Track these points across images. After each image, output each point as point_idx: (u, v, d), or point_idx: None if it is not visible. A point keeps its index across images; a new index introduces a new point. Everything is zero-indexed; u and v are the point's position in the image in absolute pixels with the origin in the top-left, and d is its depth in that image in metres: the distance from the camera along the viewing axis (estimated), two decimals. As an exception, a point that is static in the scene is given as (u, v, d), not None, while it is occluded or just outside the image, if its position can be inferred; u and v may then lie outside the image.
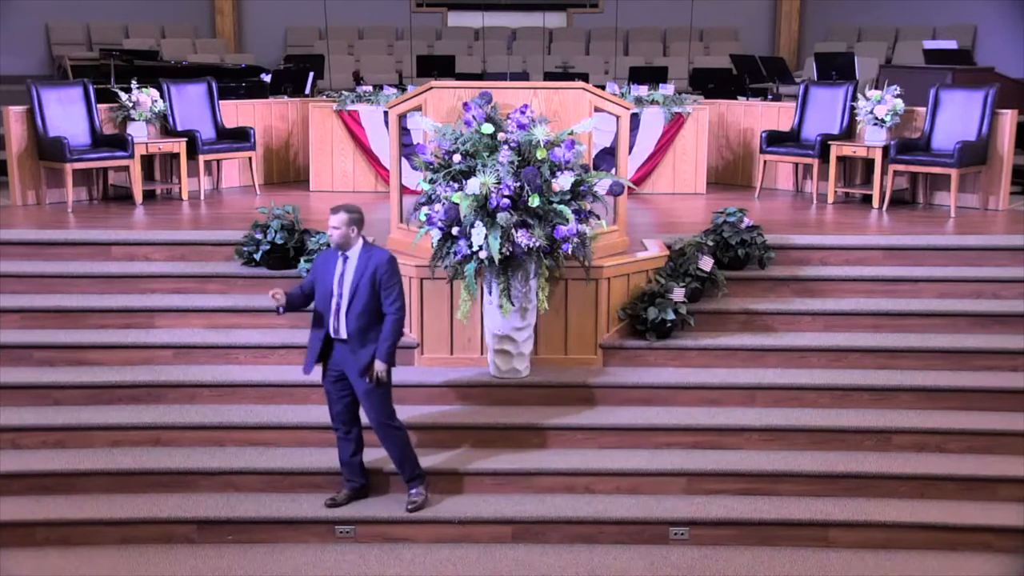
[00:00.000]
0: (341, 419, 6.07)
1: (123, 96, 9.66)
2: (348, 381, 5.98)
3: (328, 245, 7.29)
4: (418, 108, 7.08)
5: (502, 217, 6.14)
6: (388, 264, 5.88)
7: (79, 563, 5.83)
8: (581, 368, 6.99)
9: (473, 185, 6.18)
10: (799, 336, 7.25)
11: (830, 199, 9.71)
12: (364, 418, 6.07)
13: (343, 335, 5.90)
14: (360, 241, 5.91)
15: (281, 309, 6.00)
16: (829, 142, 9.71)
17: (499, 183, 6.16)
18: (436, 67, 12.17)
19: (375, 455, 6.27)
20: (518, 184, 6.20)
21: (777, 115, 10.51)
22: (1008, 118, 9.27)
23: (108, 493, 6.25)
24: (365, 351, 5.87)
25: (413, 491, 6.13)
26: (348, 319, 5.87)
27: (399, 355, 6.95)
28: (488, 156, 6.29)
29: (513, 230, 6.17)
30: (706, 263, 7.30)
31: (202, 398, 6.82)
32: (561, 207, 6.27)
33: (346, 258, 5.90)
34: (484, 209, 6.19)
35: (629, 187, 6.97)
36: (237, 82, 11.10)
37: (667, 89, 10.47)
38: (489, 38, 15.99)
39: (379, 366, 5.87)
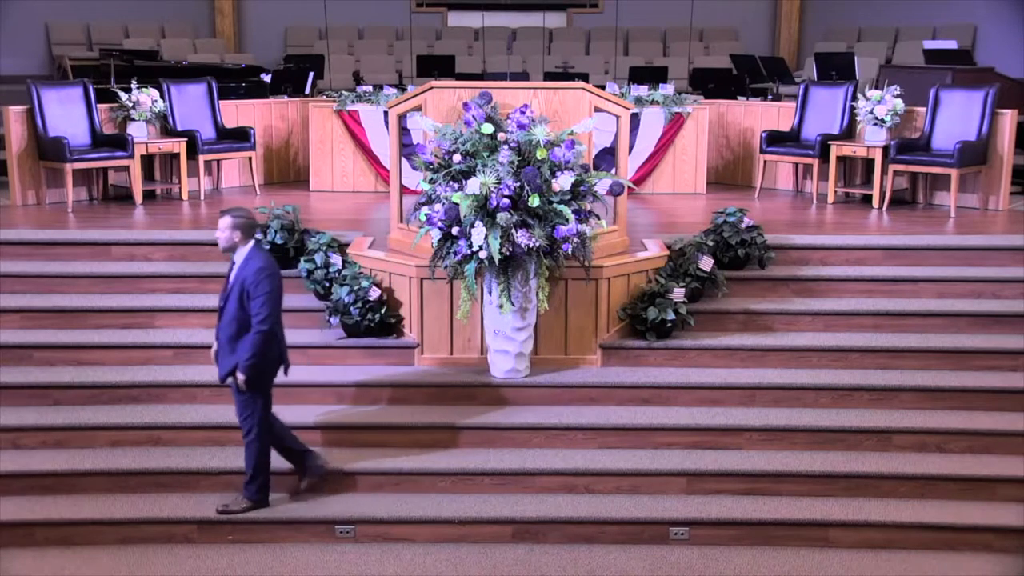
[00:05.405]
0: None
1: (123, 96, 9.65)
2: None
3: (329, 244, 7.34)
4: (418, 108, 7.08)
5: (502, 217, 6.14)
6: (256, 274, 5.63)
7: (79, 563, 5.83)
8: (581, 368, 6.99)
9: (473, 185, 6.18)
10: (799, 336, 7.24)
11: (830, 199, 9.70)
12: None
13: (219, 339, 5.88)
14: (249, 246, 5.73)
15: None
16: (829, 142, 9.70)
17: (499, 183, 6.16)
18: (436, 67, 12.17)
19: (372, 455, 6.30)
20: (518, 184, 6.20)
21: (777, 115, 10.51)
22: (1008, 118, 9.26)
23: (108, 493, 6.25)
24: (229, 360, 5.80)
25: (241, 496, 6.03)
26: (220, 325, 5.83)
27: (400, 354, 6.99)
28: (488, 156, 6.29)
29: (513, 230, 6.17)
30: (706, 263, 7.30)
31: (202, 398, 6.81)
32: (561, 207, 6.27)
33: (233, 263, 5.81)
34: (484, 209, 6.19)
35: (629, 187, 6.97)
36: (237, 82, 11.09)
37: (667, 89, 10.47)
38: (489, 38, 15.97)
39: (239, 377, 5.77)
